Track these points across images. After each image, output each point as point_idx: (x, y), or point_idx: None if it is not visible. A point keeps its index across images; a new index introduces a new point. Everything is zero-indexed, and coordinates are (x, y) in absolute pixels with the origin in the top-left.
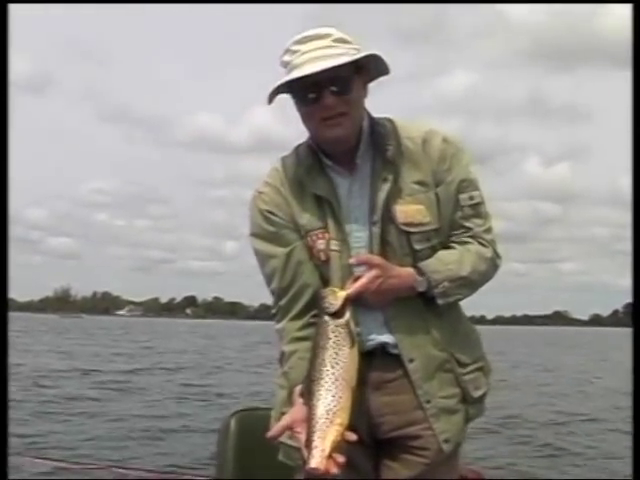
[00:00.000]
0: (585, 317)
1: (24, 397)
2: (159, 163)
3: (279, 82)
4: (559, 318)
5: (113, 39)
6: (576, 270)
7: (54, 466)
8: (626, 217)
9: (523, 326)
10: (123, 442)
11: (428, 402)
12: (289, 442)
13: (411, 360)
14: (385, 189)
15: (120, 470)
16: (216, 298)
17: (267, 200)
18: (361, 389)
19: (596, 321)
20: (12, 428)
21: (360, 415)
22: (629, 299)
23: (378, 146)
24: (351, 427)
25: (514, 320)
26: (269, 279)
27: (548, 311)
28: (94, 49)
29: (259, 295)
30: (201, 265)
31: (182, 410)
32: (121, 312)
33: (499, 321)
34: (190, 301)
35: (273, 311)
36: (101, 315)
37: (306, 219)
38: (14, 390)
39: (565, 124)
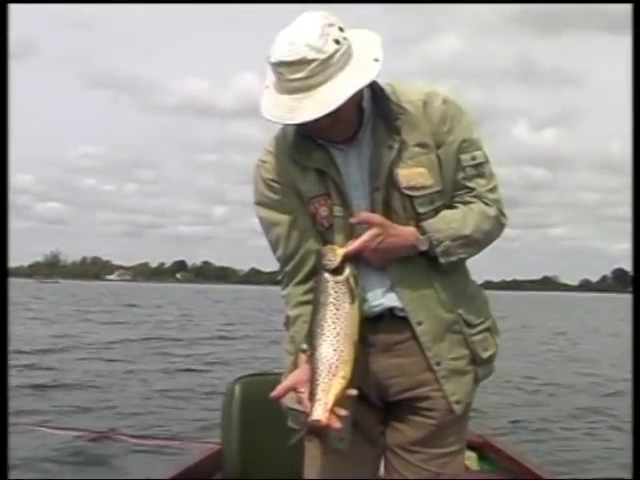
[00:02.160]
0: (574, 282)
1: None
2: (146, 128)
3: (270, 118)
4: (548, 283)
5: (97, 3)
6: (565, 235)
7: (53, 434)
8: (615, 182)
9: (513, 291)
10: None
11: (438, 364)
12: (297, 407)
13: (419, 323)
14: (390, 155)
15: (124, 437)
16: (206, 263)
17: (269, 169)
18: (369, 352)
19: (585, 286)
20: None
21: (368, 377)
22: (618, 265)
23: (381, 115)
24: (359, 389)
25: (503, 285)
26: (274, 246)
27: (537, 276)
28: (78, 14)
29: (248, 259)
30: (190, 230)
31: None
32: (111, 277)
33: (488, 286)
34: (180, 266)
35: (279, 277)
36: (90, 280)
37: (308, 186)
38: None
39: (554, 88)
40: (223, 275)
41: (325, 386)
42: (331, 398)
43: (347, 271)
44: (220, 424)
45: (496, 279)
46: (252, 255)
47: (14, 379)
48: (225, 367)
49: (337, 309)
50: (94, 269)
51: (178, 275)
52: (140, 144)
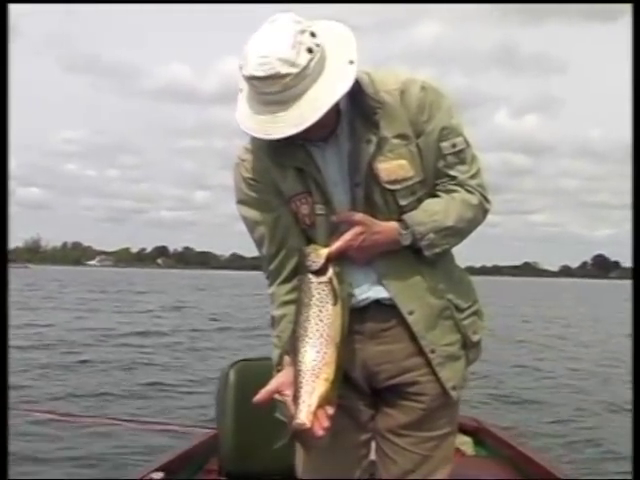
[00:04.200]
0: (555, 268)
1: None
2: (128, 113)
3: (247, 131)
4: (529, 269)
5: None
6: (546, 221)
7: (48, 418)
8: (595, 169)
9: (494, 276)
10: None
11: (433, 352)
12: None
13: (411, 312)
14: (369, 150)
15: (119, 422)
16: (187, 248)
17: (249, 168)
18: (357, 339)
19: (565, 272)
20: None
21: (357, 365)
22: (598, 251)
23: (359, 109)
24: (348, 377)
25: (484, 270)
26: (259, 245)
27: (518, 262)
28: None
29: (230, 245)
30: (172, 215)
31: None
32: (92, 262)
33: (469, 271)
34: (161, 251)
35: (265, 275)
36: (71, 266)
37: (288, 185)
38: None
39: (535, 75)
40: (204, 260)
41: (309, 388)
42: (314, 401)
43: (330, 271)
44: (215, 409)
45: (477, 264)
46: (233, 240)
47: None
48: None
49: (320, 310)
50: (75, 254)
51: (159, 260)
52: (122, 129)
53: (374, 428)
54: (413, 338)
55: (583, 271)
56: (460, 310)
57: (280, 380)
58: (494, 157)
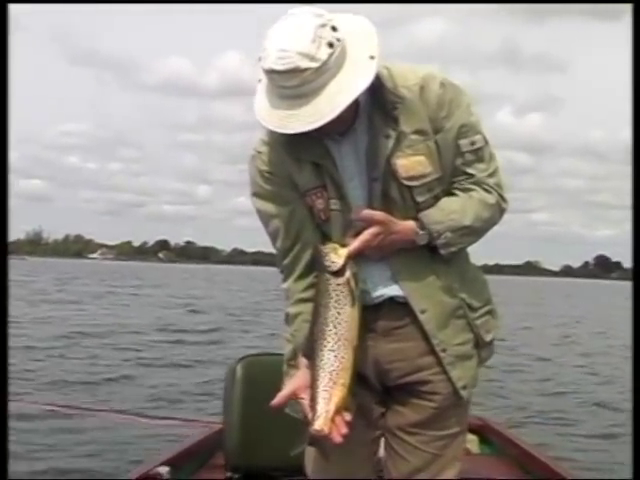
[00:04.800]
0: (556, 268)
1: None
2: (130, 107)
3: (265, 125)
4: (530, 268)
5: None
6: (547, 221)
7: (53, 410)
8: (597, 169)
9: (496, 275)
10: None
11: (444, 351)
12: None
13: (423, 311)
14: (388, 145)
15: (125, 416)
16: (188, 242)
17: (266, 160)
18: (369, 337)
19: (567, 272)
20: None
21: (368, 362)
22: (599, 251)
23: (378, 103)
24: (359, 374)
25: (485, 269)
26: (273, 238)
27: (520, 261)
28: None
29: (231, 239)
30: (173, 209)
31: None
32: (94, 255)
33: None
34: (162, 245)
35: (279, 270)
36: (74, 258)
37: (304, 179)
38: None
39: (537, 74)
40: (205, 255)
41: (326, 394)
42: (332, 407)
43: (348, 272)
44: (222, 404)
45: (478, 263)
46: (234, 235)
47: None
48: None
49: (339, 313)
50: (76, 247)
51: (160, 254)
52: (123, 122)
53: (384, 426)
54: (425, 337)
55: (585, 271)
56: (473, 309)
57: (296, 384)
58: (497, 156)
